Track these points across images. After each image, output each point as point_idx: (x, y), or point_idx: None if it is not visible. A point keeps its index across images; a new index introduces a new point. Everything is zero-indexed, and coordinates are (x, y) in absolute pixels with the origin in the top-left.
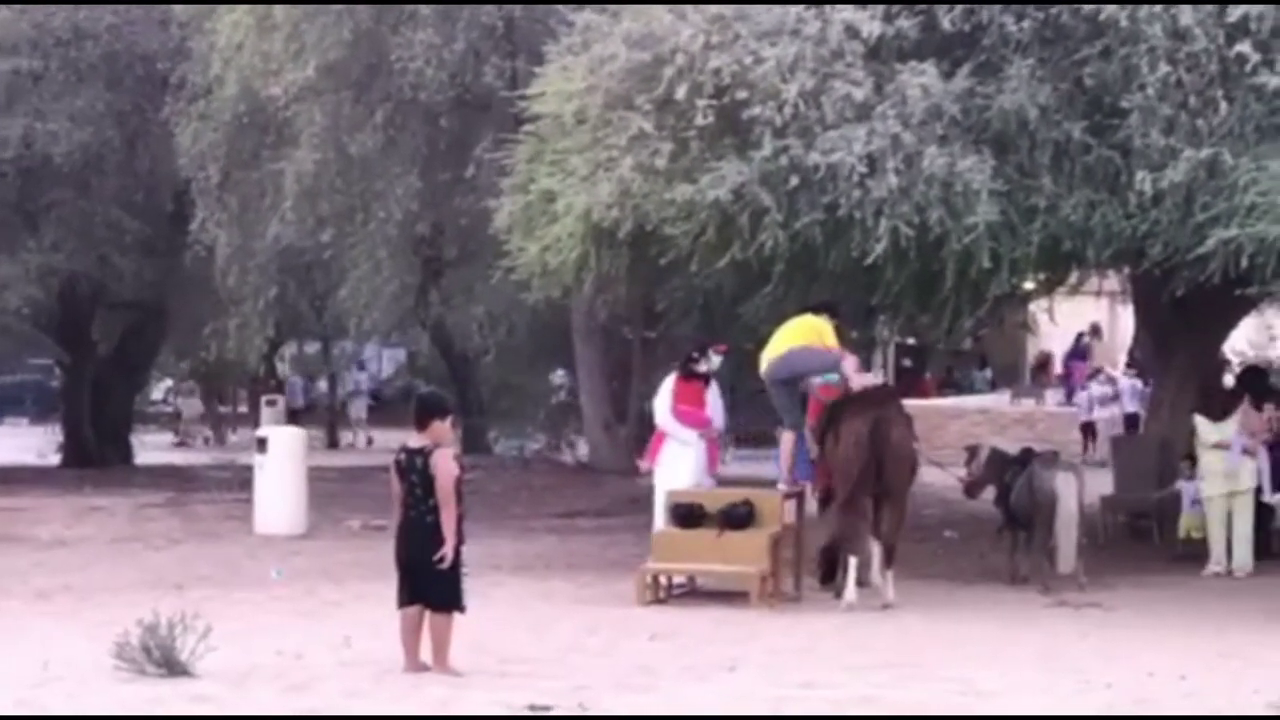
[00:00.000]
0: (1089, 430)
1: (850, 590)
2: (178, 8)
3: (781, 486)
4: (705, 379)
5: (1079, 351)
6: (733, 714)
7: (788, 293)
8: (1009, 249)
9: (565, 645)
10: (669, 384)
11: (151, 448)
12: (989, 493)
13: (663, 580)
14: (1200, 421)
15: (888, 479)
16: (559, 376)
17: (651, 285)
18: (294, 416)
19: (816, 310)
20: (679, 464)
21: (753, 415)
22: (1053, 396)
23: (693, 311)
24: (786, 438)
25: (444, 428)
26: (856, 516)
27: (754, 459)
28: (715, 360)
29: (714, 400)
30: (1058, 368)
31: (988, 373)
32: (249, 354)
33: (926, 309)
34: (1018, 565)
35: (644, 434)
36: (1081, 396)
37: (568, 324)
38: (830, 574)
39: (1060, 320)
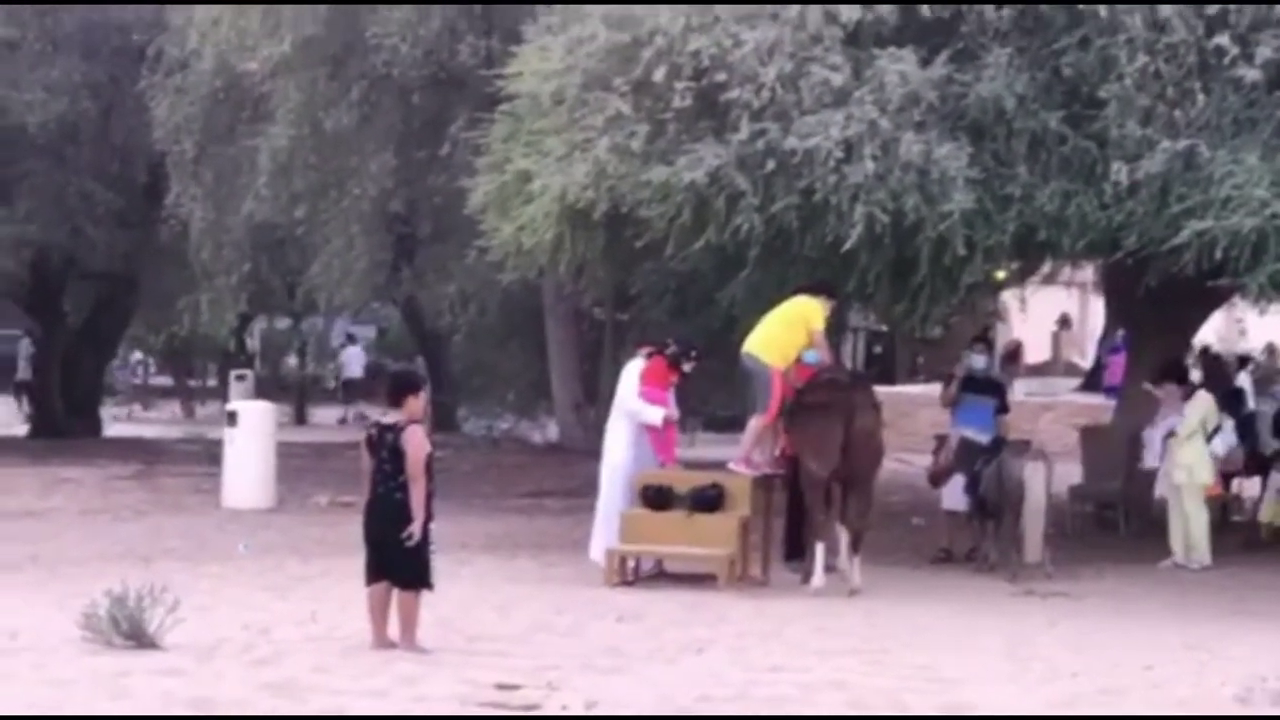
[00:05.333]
0: None
1: (818, 575)
2: None
3: (732, 466)
4: (682, 375)
5: (1118, 346)
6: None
7: (763, 277)
8: (983, 237)
9: (532, 625)
10: (637, 366)
11: (119, 420)
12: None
13: (630, 562)
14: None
15: (853, 465)
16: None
17: (626, 267)
18: (350, 389)
19: (813, 291)
20: (629, 450)
21: (723, 399)
22: (1023, 386)
23: (666, 295)
24: (754, 422)
25: (417, 404)
26: (821, 500)
27: (723, 443)
28: (690, 365)
29: (672, 396)
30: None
31: (981, 359)
32: (220, 328)
33: (900, 296)
34: (986, 552)
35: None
36: None
37: (540, 303)
38: (796, 553)
39: (1032, 310)
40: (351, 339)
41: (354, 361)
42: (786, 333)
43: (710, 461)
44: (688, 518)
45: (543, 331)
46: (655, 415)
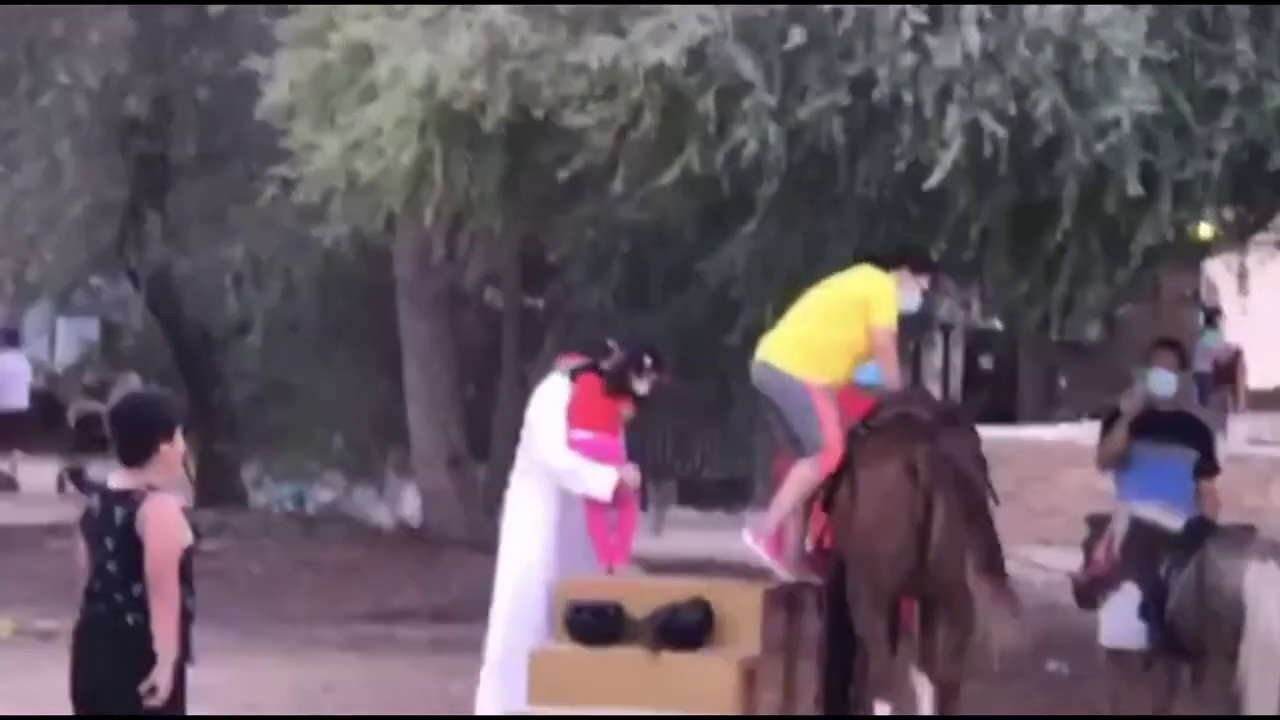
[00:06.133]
0: None
1: None
2: None
3: (750, 543)
4: (636, 400)
5: None
6: None
7: (783, 235)
8: (1174, 163)
9: None
10: (561, 389)
11: None
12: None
13: None
14: None
15: (942, 568)
16: None
17: (540, 216)
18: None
19: (887, 261)
20: (540, 522)
21: (714, 451)
22: (1246, 427)
23: (611, 264)
24: (801, 471)
25: (171, 456)
26: (886, 629)
27: (712, 527)
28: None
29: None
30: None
31: (1169, 380)
32: None
33: (1027, 268)
34: None
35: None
36: None
37: (390, 282)
38: None
39: (1260, 291)
40: (10, 338)
41: (11, 381)
42: (831, 329)
43: (691, 560)
44: (651, 659)
45: (393, 329)
46: (600, 481)
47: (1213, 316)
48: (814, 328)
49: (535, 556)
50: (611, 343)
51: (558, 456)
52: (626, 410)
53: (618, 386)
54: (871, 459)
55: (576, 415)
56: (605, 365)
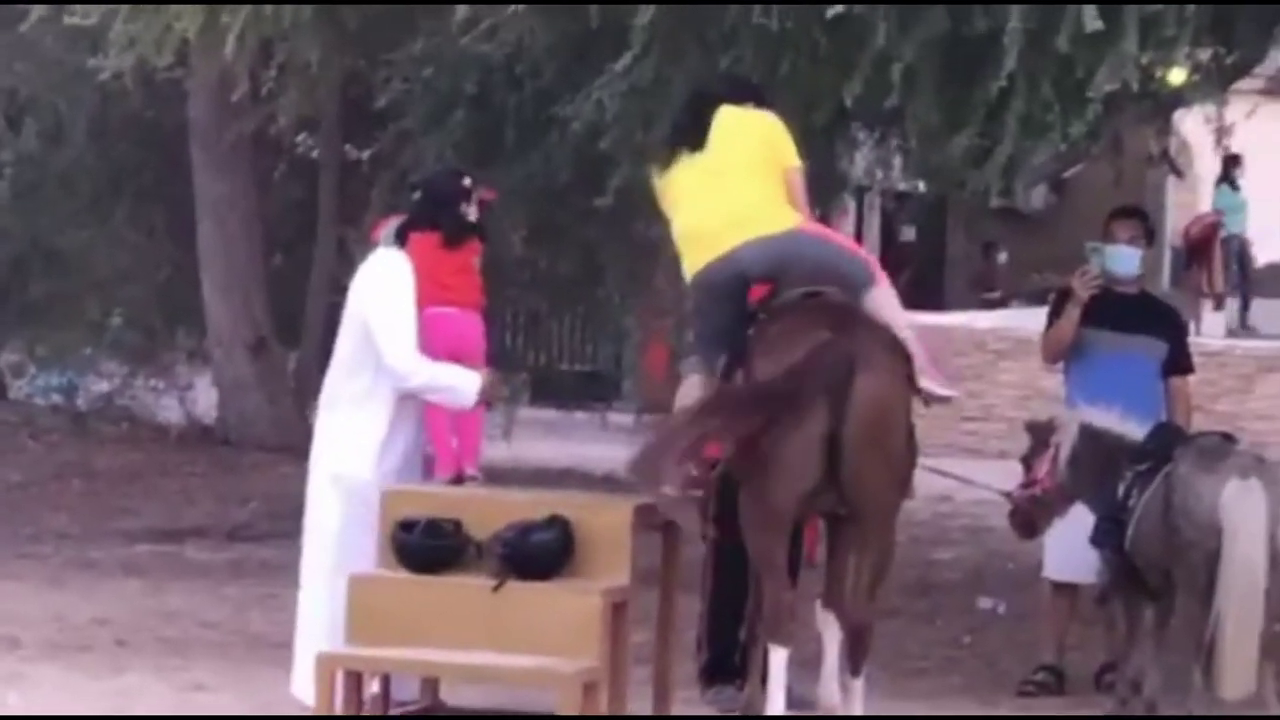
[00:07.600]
0: None
1: (775, 709)
2: None
3: (667, 489)
4: (480, 236)
5: None
6: None
7: (664, 74)
8: None
9: None
10: (399, 267)
11: None
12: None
13: (371, 685)
14: None
15: (856, 480)
16: None
17: (367, 47)
18: None
19: (734, 100)
20: (372, 421)
21: (574, 338)
22: (1225, 315)
23: (456, 107)
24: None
25: None
26: (785, 556)
27: (571, 429)
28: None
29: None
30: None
31: (1130, 255)
32: None
33: (960, 118)
34: (1137, 671)
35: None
36: None
37: (181, 125)
38: (726, 670)
39: (1247, 148)
40: None
41: None
42: (766, 185)
43: (545, 469)
44: (494, 590)
45: (185, 184)
46: (467, 387)
47: (1230, 169)
48: (751, 188)
49: (359, 468)
50: (426, 180)
51: (413, 367)
52: (475, 259)
53: (458, 229)
54: (771, 349)
55: (424, 288)
56: (424, 211)
